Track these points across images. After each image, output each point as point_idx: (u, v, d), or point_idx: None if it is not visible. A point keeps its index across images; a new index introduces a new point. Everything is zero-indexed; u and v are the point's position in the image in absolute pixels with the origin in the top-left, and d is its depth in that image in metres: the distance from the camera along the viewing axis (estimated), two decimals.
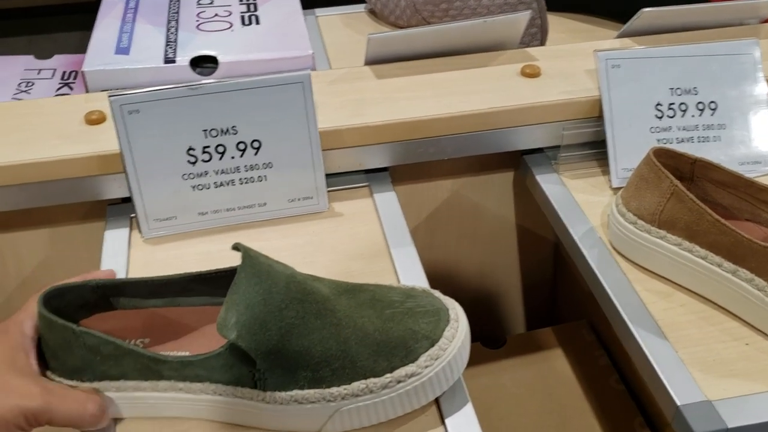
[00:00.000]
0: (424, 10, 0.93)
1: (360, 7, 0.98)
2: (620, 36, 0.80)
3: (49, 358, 0.50)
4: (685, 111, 0.70)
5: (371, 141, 0.68)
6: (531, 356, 0.78)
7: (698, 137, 0.70)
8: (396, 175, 0.72)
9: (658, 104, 0.70)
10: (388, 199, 0.68)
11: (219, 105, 0.61)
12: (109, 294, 0.53)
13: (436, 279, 0.64)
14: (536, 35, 0.88)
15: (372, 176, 0.71)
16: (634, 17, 0.77)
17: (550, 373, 0.77)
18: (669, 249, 0.58)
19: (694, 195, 0.61)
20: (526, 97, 0.70)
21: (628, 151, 0.69)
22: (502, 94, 0.70)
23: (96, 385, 0.49)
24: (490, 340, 0.81)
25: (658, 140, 0.69)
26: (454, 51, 0.77)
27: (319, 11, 0.97)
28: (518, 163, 0.75)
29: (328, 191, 0.67)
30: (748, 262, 0.54)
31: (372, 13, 0.97)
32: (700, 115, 0.70)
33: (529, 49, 0.78)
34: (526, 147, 0.73)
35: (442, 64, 0.75)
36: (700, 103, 0.70)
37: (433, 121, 0.68)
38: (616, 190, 0.68)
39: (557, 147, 0.72)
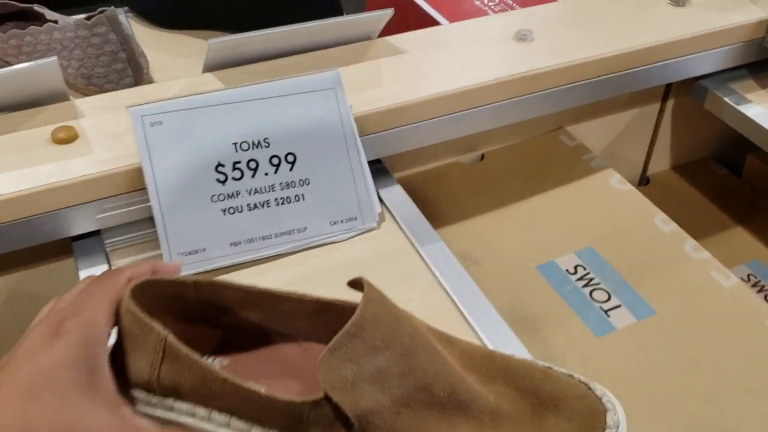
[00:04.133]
0: None
1: None
2: (205, 71, 0.66)
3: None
4: (255, 169, 0.56)
5: None
6: None
7: (277, 199, 0.57)
8: None
9: (220, 165, 0.55)
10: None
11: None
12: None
13: None
14: (125, 71, 0.72)
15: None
16: (207, 50, 0.63)
17: None
18: (184, 423, 0.40)
19: (226, 323, 0.46)
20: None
21: (184, 231, 0.54)
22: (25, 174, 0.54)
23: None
24: None
25: (224, 210, 0.55)
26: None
27: None
28: None
29: None
30: (274, 421, 0.39)
31: None
32: (276, 171, 0.57)
33: (70, 103, 0.61)
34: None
35: None
36: (274, 156, 0.57)
37: None
38: None
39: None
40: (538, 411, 0.41)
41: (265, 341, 0.46)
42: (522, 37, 0.70)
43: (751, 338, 0.57)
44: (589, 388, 0.42)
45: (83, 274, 0.56)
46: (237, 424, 0.40)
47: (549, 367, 0.44)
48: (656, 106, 0.86)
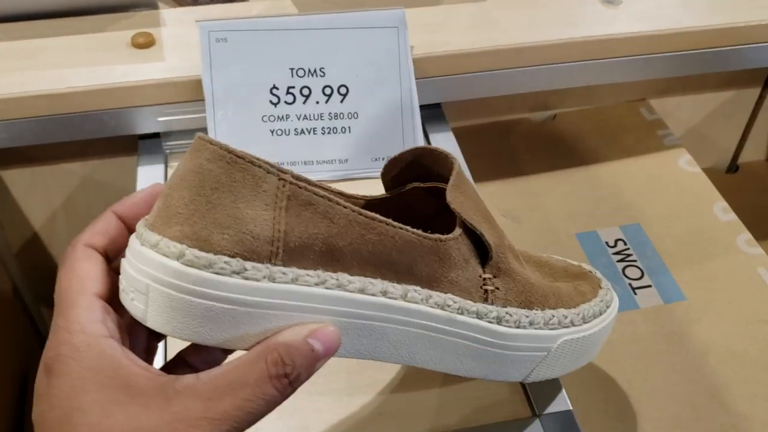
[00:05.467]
0: None
1: None
2: None
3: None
4: (308, 96, 0.59)
5: None
6: None
7: (323, 128, 0.59)
8: None
9: (274, 88, 0.58)
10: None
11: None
12: None
13: None
14: None
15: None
16: None
17: None
18: (316, 296, 0.32)
19: None
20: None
21: (233, 145, 0.57)
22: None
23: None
24: None
25: (272, 131, 0.58)
26: None
27: None
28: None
29: None
30: (418, 272, 0.35)
31: None
32: (327, 101, 0.59)
33: (156, 12, 0.65)
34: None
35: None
36: (327, 86, 0.59)
37: None
38: None
39: None
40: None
41: None
42: None
43: None
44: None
45: (142, 170, 0.60)
46: (375, 285, 0.34)
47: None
48: (756, 91, 0.81)
